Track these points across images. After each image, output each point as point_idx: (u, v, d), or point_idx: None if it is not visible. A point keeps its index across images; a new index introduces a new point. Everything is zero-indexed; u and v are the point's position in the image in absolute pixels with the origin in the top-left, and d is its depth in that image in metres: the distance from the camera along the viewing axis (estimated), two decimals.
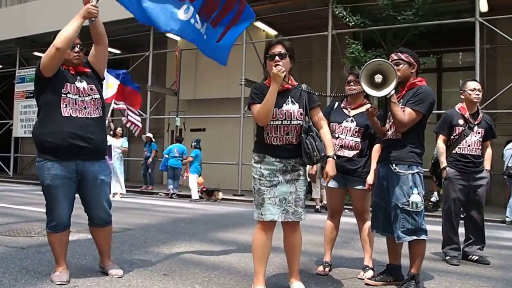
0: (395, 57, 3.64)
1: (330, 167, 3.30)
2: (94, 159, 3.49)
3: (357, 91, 3.94)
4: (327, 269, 4.02)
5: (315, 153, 3.16)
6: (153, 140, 13.92)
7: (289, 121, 3.24)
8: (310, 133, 3.21)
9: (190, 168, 12.11)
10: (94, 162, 3.49)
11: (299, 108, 3.28)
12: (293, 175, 3.26)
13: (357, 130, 3.98)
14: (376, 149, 3.94)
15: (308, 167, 4.22)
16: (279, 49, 3.27)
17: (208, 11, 4.30)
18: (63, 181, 3.36)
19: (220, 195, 12.14)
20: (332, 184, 4.04)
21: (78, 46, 3.51)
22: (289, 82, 3.33)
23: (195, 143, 12.37)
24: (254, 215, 3.31)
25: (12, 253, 4.28)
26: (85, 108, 3.44)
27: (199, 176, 12.20)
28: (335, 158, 3.33)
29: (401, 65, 3.58)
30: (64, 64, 3.48)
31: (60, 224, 3.41)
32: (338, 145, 3.99)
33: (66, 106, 3.36)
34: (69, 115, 3.36)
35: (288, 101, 3.28)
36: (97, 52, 3.64)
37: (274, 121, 3.24)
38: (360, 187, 3.97)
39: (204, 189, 12.32)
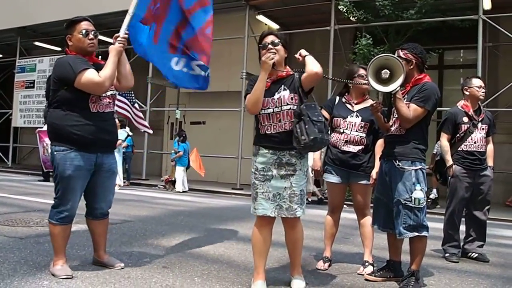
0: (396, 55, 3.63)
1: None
2: (110, 152, 3.57)
3: (359, 83, 3.91)
4: (326, 264, 4.02)
5: (303, 136, 3.06)
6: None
7: (280, 108, 3.23)
8: (302, 117, 3.13)
9: (178, 162, 12.31)
10: (109, 154, 3.55)
11: (290, 93, 3.25)
12: (288, 169, 3.22)
13: (362, 125, 3.96)
14: (380, 144, 3.92)
15: (310, 163, 4.21)
16: (271, 38, 3.29)
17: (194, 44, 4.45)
18: (84, 173, 3.36)
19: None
20: (334, 179, 4.03)
21: (92, 32, 3.45)
22: (284, 71, 3.31)
23: (182, 138, 12.58)
24: (250, 209, 3.32)
25: (11, 243, 4.27)
26: (108, 103, 3.49)
27: (187, 168, 12.36)
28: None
29: None
30: (79, 52, 3.45)
31: (70, 216, 3.39)
32: (343, 140, 3.98)
33: (93, 103, 3.38)
34: (96, 111, 3.39)
35: (281, 89, 3.27)
36: (118, 88, 3.64)
37: (266, 110, 3.24)
38: (364, 181, 3.96)
39: (169, 180, 12.64)
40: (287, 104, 3.22)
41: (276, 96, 3.25)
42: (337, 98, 4.22)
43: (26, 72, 17.81)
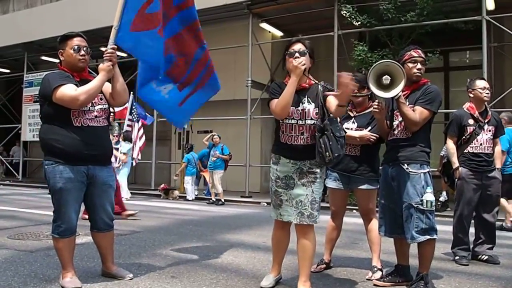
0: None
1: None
2: (103, 165, 3.53)
3: (365, 95, 3.95)
4: (320, 266, 4.09)
5: (327, 153, 3.12)
6: None
7: (304, 121, 3.27)
8: (325, 132, 3.17)
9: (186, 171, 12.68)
10: (103, 167, 3.52)
11: (314, 107, 3.28)
12: (309, 177, 3.27)
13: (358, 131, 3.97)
14: None
15: None
16: (299, 46, 3.29)
17: (177, 73, 4.26)
18: (76, 185, 3.35)
19: (176, 193, 12.75)
20: (333, 184, 4.05)
21: (84, 48, 3.46)
22: (307, 81, 3.34)
23: (187, 148, 13.01)
24: (271, 215, 3.43)
25: (21, 257, 4.31)
26: (95, 117, 3.45)
27: (196, 177, 12.71)
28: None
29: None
30: (69, 69, 3.47)
31: (70, 229, 3.38)
32: None
33: (75, 117, 3.36)
34: (80, 125, 3.36)
35: (305, 100, 3.30)
36: (112, 104, 3.66)
37: (290, 120, 3.28)
38: (364, 186, 3.96)
39: (164, 188, 12.95)
40: (311, 119, 3.27)
41: (301, 106, 3.28)
42: None
43: (33, 86, 17.97)
